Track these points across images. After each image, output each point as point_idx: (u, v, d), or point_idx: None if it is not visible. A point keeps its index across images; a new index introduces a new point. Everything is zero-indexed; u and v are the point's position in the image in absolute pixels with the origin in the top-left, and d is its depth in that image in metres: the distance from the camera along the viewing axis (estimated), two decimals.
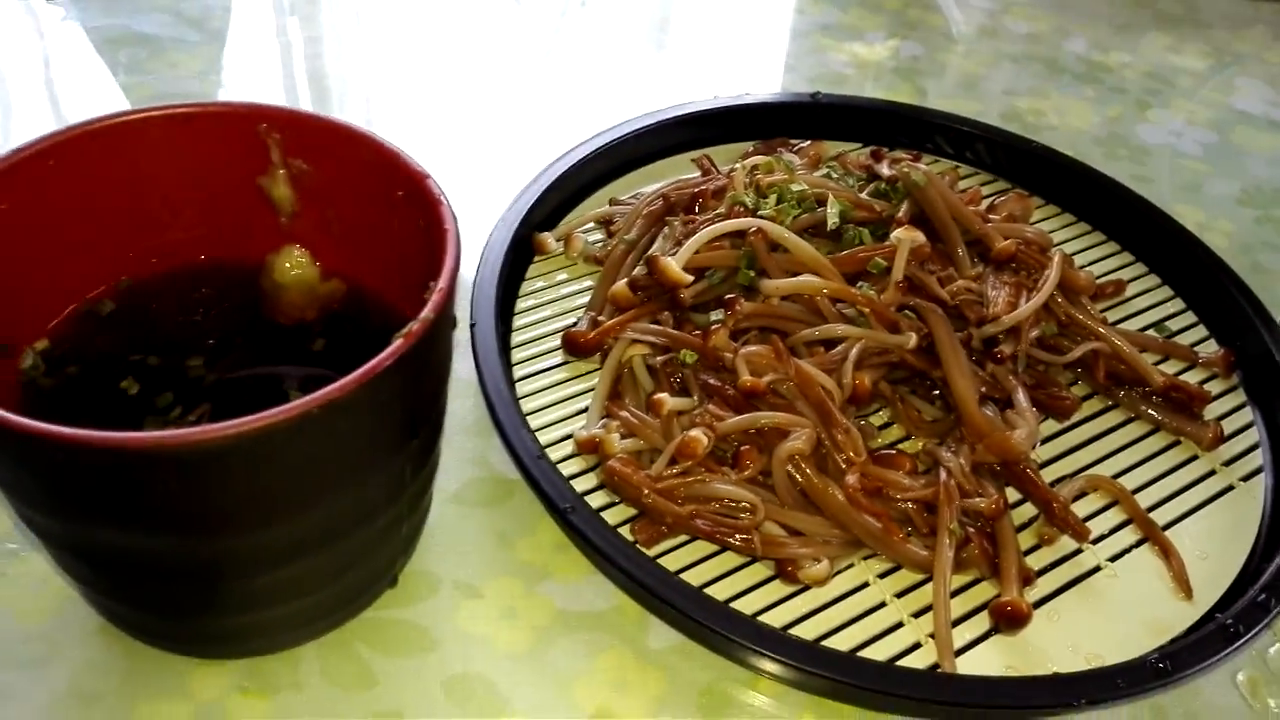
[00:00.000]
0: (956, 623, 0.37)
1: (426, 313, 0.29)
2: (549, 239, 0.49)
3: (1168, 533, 0.41)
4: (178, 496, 0.27)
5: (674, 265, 0.43)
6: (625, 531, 0.38)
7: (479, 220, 0.47)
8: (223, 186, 0.36)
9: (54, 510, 0.28)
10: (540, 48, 0.69)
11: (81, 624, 0.35)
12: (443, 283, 0.30)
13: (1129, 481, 0.42)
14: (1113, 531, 0.41)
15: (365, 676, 0.35)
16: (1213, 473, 0.43)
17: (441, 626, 0.36)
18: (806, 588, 0.37)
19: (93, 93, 0.59)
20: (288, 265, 0.38)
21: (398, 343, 0.28)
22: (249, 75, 0.63)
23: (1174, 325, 0.50)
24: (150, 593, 0.31)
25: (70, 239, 0.35)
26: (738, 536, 0.37)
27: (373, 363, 0.27)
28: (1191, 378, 0.47)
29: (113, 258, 0.36)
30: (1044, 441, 0.44)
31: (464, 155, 0.58)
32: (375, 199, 0.35)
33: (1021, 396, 0.42)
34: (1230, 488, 0.43)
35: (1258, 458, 0.44)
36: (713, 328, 0.42)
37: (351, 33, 0.68)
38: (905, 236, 0.45)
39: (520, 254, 0.48)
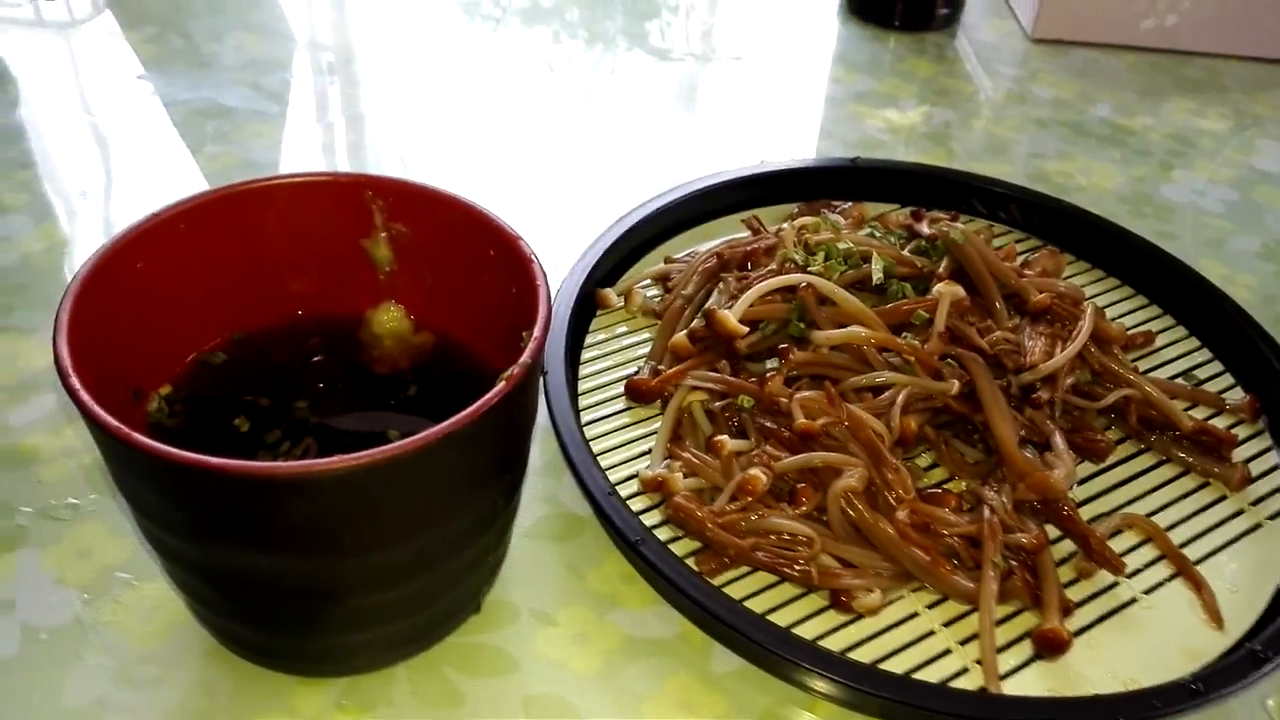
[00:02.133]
0: (1000, 650, 0.39)
1: (525, 358, 0.32)
2: (611, 294, 0.53)
3: (1199, 567, 0.43)
4: (305, 521, 0.30)
5: (731, 318, 0.47)
6: (690, 564, 0.41)
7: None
8: (329, 248, 0.40)
9: (189, 533, 0.32)
10: (579, 113, 0.73)
11: (191, 647, 0.39)
12: (537, 332, 0.33)
13: (1161, 520, 0.45)
14: (1147, 566, 0.43)
15: (453, 695, 0.38)
16: (1241, 511, 0.46)
17: (521, 650, 0.39)
18: (859, 617, 0.40)
19: (185, 159, 0.64)
20: (385, 319, 0.42)
21: (501, 384, 0.31)
22: (322, 144, 0.67)
23: (1201, 374, 0.53)
24: (265, 612, 0.34)
25: (193, 295, 0.39)
26: (796, 567, 0.40)
27: (482, 401, 0.30)
28: (1219, 423, 0.49)
29: (228, 312, 0.40)
30: (1080, 483, 0.46)
31: (521, 220, 0.62)
32: (467, 257, 0.39)
33: (1059, 439, 0.45)
34: (1258, 525, 0.45)
35: None
36: (769, 375, 0.45)
37: (396, 106, 0.72)
38: (946, 290, 0.48)
39: (584, 309, 0.52)
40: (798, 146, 0.72)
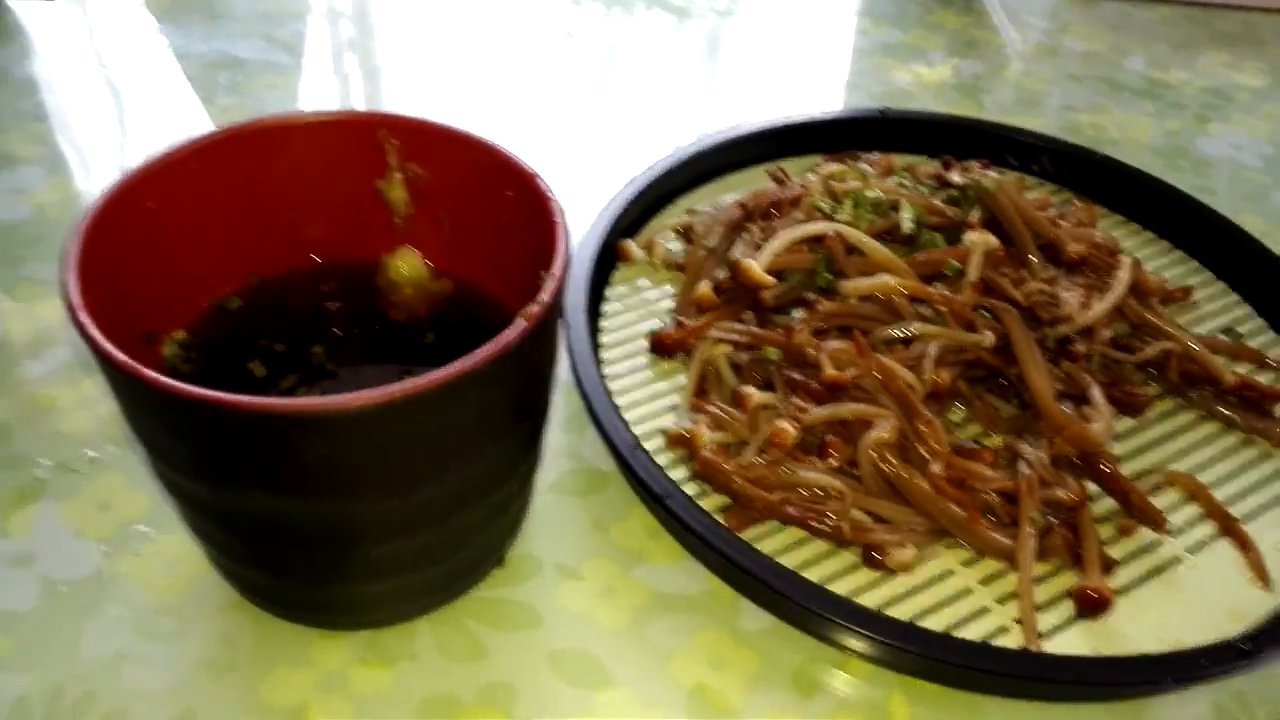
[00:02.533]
0: (1039, 609, 0.38)
1: (544, 297, 0.31)
2: (633, 246, 0.51)
3: (1244, 526, 0.42)
4: (321, 461, 0.29)
5: (756, 267, 0.45)
6: (719, 520, 0.40)
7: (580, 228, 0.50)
8: (343, 190, 0.39)
9: (203, 476, 0.31)
10: (600, 72, 0.71)
11: (212, 599, 0.38)
12: (556, 269, 0.32)
13: (1204, 477, 0.43)
14: (1190, 525, 0.42)
15: (476, 649, 0.37)
16: None
17: (544, 604, 0.38)
18: (892, 574, 0.39)
19: (198, 111, 0.62)
20: (401, 265, 0.40)
21: (520, 323, 0.30)
22: (334, 94, 0.66)
23: (1242, 330, 0.51)
24: (284, 558, 0.34)
25: (206, 239, 0.37)
26: (827, 522, 0.39)
27: (502, 339, 0.29)
28: (1260, 379, 0.48)
29: (243, 257, 0.39)
30: (1118, 439, 0.45)
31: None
32: (484, 199, 0.38)
33: (1096, 392, 0.43)
34: None
35: None
36: (796, 325, 0.44)
37: (413, 59, 0.71)
38: (979, 239, 0.46)
39: (605, 261, 0.50)
40: (824, 100, 0.70)
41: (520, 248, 0.36)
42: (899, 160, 0.58)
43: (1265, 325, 0.51)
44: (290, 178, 0.38)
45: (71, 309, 0.29)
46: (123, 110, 0.62)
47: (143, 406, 0.30)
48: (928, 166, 0.56)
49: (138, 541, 0.39)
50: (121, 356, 0.28)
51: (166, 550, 0.39)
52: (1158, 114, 0.70)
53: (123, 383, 0.29)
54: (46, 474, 0.41)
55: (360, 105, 0.65)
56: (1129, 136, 0.67)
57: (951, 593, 0.39)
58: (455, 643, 0.37)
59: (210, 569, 0.37)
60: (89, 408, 0.44)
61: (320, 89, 0.66)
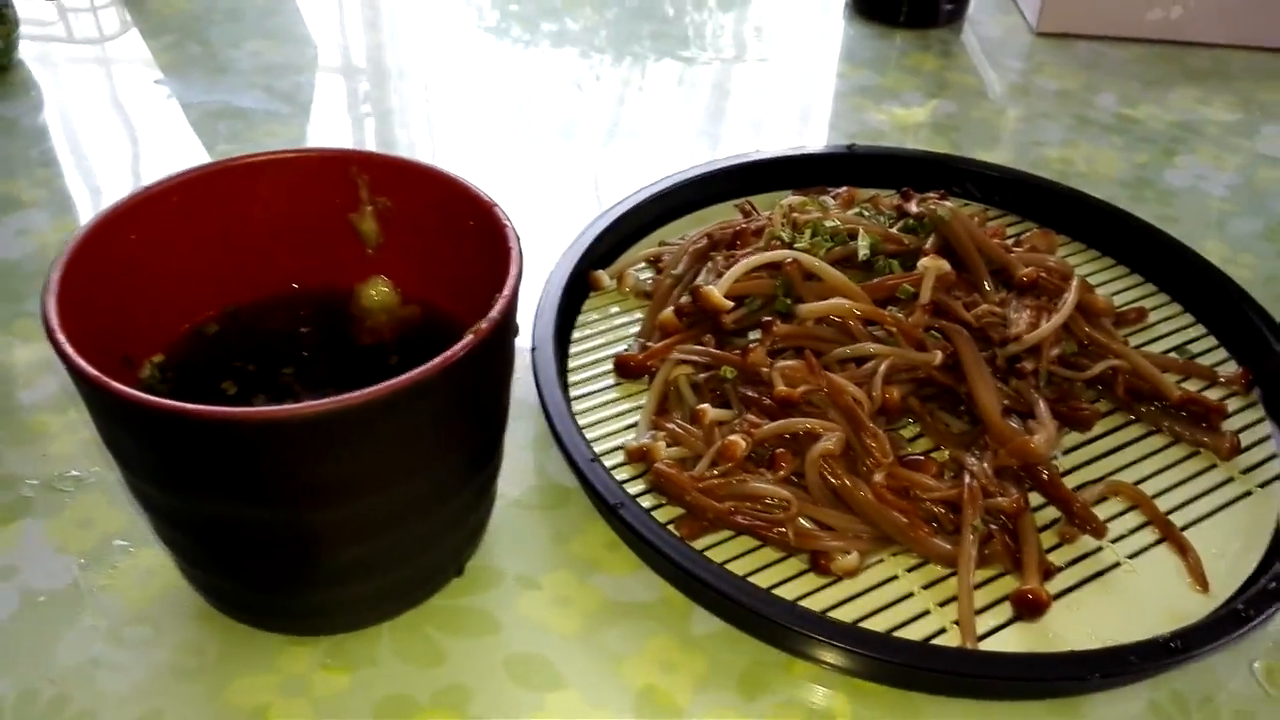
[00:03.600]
0: (980, 611, 0.39)
1: (493, 314, 0.33)
2: (603, 275, 0.54)
3: (1186, 534, 0.43)
4: (278, 468, 0.31)
5: (716, 293, 0.48)
6: (670, 529, 0.41)
7: (542, 259, 0.52)
8: (318, 222, 0.41)
9: (166, 482, 0.33)
10: (596, 116, 0.74)
11: (183, 609, 0.40)
12: (506, 290, 0.34)
13: (1149, 488, 0.45)
14: (1132, 532, 0.43)
15: (435, 655, 0.38)
16: (1230, 480, 0.45)
17: (503, 612, 0.40)
18: (839, 579, 0.40)
19: (200, 156, 0.66)
20: (373, 293, 0.43)
21: (469, 338, 0.32)
22: (333, 141, 0.69)
23: (1195, 349, 0.53)
24: (245, 565, 0.35)
25: (186, 267, 0.40)
26: (774, 530, 0.41)
27: (449, 352, 0.31)
28: (1212, 395, 0.49)
29: (221, 285, 0.41)
30: (1066, 452, 0.46)
31: (526, 207, 0.63)
32: (449, 229, 0.40)
33: (1042, 407, 0.45)
34: (1248, 493, 0.45)
35: (1276, 466, 0.46)
36: (751, 345, 0.46)
37: (423, 106, 0.74)
38: (931, 265, 0.48)
39: (578, 289, 0.53)
40: (800, 140, 0.72)
41: (482, 273, 0.38)
42: (863, 193, 0.60)
43: (1217, 344, 0.53)
44: (267, 211, 0.41)
45: (49, 330, 0.32)
46: (126, 156, 0.66)
47: (109, 417, 0.32)
48: (889, 198, 0.58)
49: (116, 555, 0.41)
50: (89, 369, 0.30)
51: (142, 564, 0.41)
52: (1125, 148, 0.72)
53: (91, 394, 0.31)
54: (33, 493, 0.44)
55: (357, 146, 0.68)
56: (1095, 170, 0.69)
57: (894, 596, 0.40)
58: (414, 648, 0.39)
59: (182, 580, 0.39)
60: (75, 432, 0.46)
61: (318, 136, 0.69)
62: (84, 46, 0.78)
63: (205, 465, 0.31)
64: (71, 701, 0.36)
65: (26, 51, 0.74)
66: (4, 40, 0.70)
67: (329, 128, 0.70)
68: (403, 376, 0.30)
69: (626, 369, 0.48)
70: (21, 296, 0.54)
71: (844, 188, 0.60)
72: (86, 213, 0.61)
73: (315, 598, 0.37)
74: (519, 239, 0.37)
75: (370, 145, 0.69)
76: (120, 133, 0.68)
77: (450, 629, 0.39)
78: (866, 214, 0.55)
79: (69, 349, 0.31)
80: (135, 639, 0.39)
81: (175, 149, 0.67)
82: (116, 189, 0.63)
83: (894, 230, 0.52)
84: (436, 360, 0.31)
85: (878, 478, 0.41)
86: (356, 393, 0.30)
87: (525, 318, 0.50)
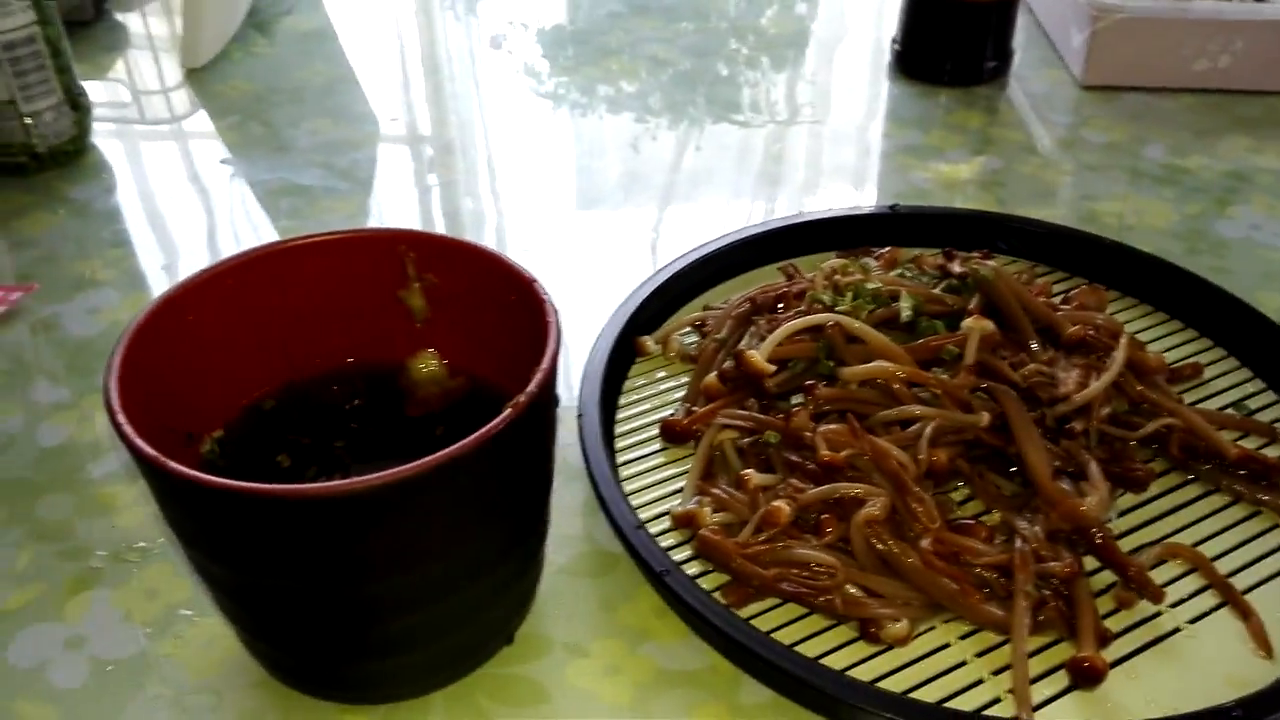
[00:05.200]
0: (1035, 680, 0.39)
1: (531, 388, 0.34)
2: (648, 341, 0.54)
3: (1248, 597, 0.42)
4: (324, 542, 0.32)
5: (758, 357, 0.48)
6: (717, 596, 0.42)
7: (595, 322, 0.53)
8: (369, 299, 0.43)
9: (220, 556, 0.34)
10: (662, 179, 0.76)
11: (243, 678, 0.41)
12: (545, 363, 0.35)
13: (1208, 550, 0.44)
14: (1192, 596, 0.42)
15: None
16: None
17: (553, 682, 0.40)
18: (889, 647, 0.40)
19: (260, 235, 0.68)
20: (421, 366, 0.44)
21: (507, 411, 0.33)
22: (391, 214, 0.71)
23: (1253, 404, 0.52)
24: (299, 635, 0.36)
25: (242, 346, 0.41)
26: (821, 597, 0.41)
27: (487, 427, 0.32)
28: (1272, 453, 0.48)
29: (277, 361, 0.43)
30: (1123, 514, 0.46)
31: (582, 269, 0.65)
32: (492, 303, 0.41)
33: (1094, 468, 0.44)
34: None
35: None
36: (794, 410, 0.46)
37: (484, 175, 0.76)
38: (975, 325, 0.48)
39: (623, 355, 0.53)
40: (849, 200, 0.73)
41: (524, 345, 0.39)
42: (906, 253, 0.60)
43: (1276, 399, 0.52)
44: (320, 289, 0.42)
45: (110, 410, 0.33)
46: (194, 234, 0.68)
47: (165, 493, 0.33)
48: (933, 258, 0.58)
49: (180, 624, 0.43)
50: (145, 447, 0.31)
51: (205, 632, 0.42)
52: (1176, 199, 0.71)
53: (148, 472, 0.32)
54: (101, 564, 0.45)
55: (415, 221, 0.71)
56: (1146, 222, 0.69)
57: (947, 665, 0.39)
58: (465, 718, 0.39)
59: (242, 648, 0.40)
60: (142, 504, 0.48)
61: (376, 210, 0.72)
62: (154, 127, 0.82)
63: (254, 539, 0.32)
64: None
65: (99, 133, 0.78)
66: (78, 126, 0.74)
67: (387, 202, 0.73)
68: (442, 452, 0.31)
69: (672, 434, 0.49)
70: (92, 372, 0.56)
71: (887, 248, 0.60)
72: (156, 290, 0.63)
73: (368, 667, 0.38)
74: (557, 313, 0.38)
75: (436, 215, 0.72)
76: (188, 211, 0.71)
77: (501, 698, 0.40)
78: (909, 274, 0.55)
79: (127, 429, 0.32)
80: (197, 707, 0.40)
81: (240, 226, 0.70)
82: (185, 267, 0.65)
83: (937, 290, 0.52)
84: (475, 435, 0.32)
85: (925, 543, 0.41)
86: (394, 470, 0.31)
87: (573, 383, 0.52)
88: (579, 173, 0.76)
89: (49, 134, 0.72)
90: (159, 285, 0.64)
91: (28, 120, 0.70)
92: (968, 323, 0.48)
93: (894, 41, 0.90)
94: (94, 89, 0.78)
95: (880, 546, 0.41)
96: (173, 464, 0.31)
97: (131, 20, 0.98)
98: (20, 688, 0.40)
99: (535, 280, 0.39)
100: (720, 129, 0.82)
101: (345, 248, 0.42)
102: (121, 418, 0.32)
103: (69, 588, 0.44)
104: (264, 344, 0.42)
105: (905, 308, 0.50)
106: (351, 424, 0.42)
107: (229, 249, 0.65)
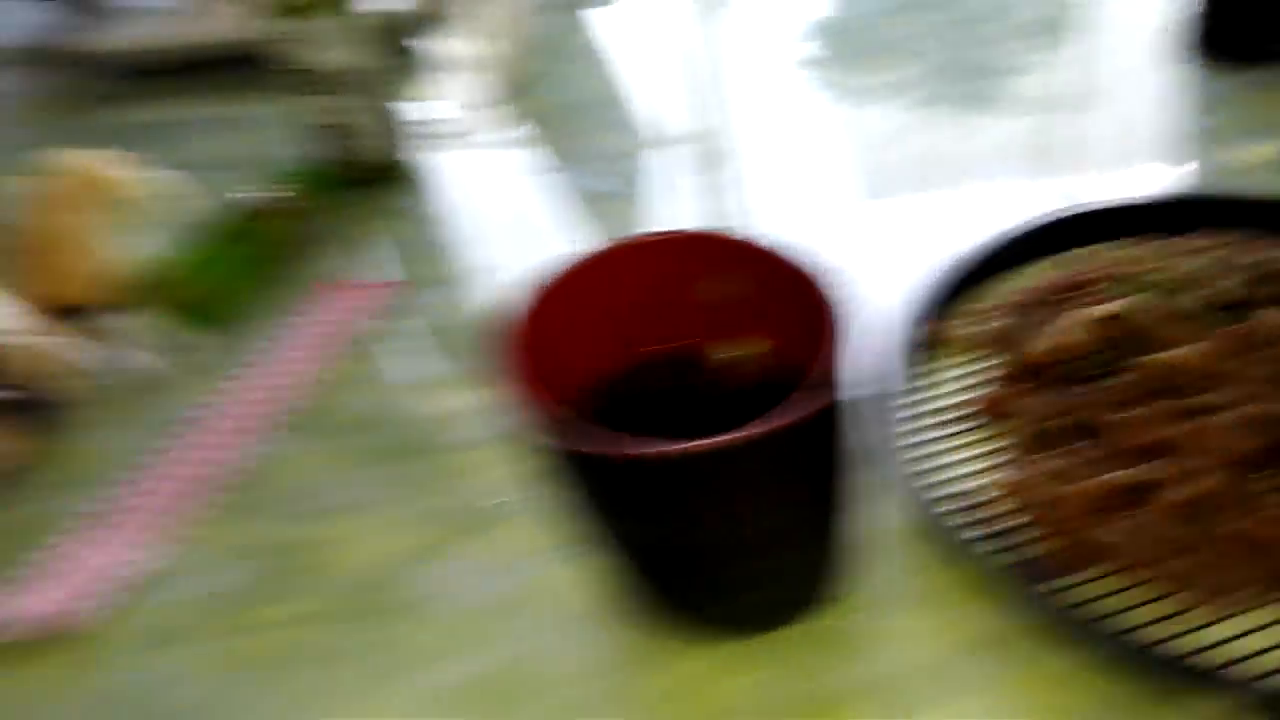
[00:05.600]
0: None
1: (822, 375, 0.39)
2: (949, 326, 0.57)
3: None
4: (679, 495, 0.39)
5: (1062, 342, 0.50)
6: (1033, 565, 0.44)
7: (886, 309, 0.56)
8: (675, 292, 0.48)
9: (613, 511, 0.41)
10: (927, 170, 0.77)
11: (607, 614, 0.48)
12: (832, 350, 0.39)
13: None
14: None
15: (805, 671, 0.44)
16: None
17: (866, 638, 0.45)
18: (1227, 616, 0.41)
19: (574, 239, 0.76)
20: (730, 352, 0.48)
21: (799, 405, 0.37)
22: (680, 215, 0.77)
23: None
24: (665, 574, 0.44)
25: (589, 332, 0.47)
26: (1155, 568, 0.42)
27: (770, 421, 0.37)
28: None
29: (613, 346, 0.48)
30: None
31: (867, 258, 0.67)
32: (789, 296, 0.45)
33: None
34: None
35: None
36: (1103, 392, 0.47)
37: (767, 173, 0.81)
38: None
39: (925, 338, 0.56)
40: (1140, 186, 0.72)
41: (815, 333, 0.42)
42: (1202, 241, 0.59)
43: None
44: (640, 284, 0.48)
45: (514, 384, 0.40)
46: (505, 237, 0.77)
47: (564, 460, 0.40)
48: (1231, 246, 0.57)
49: (543, 567, 0.50)
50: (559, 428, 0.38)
51: (566, 576, 0.49)
52: None
53: (556, 446, 0.39)
54: (478, 514, 0.54)
55: (711, 222, 0.76)
56: None
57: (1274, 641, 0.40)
58: (789, 662, 0.45)
59: (601, 591, 0.47)
60: (497, 468, 0.55)
61: (662, 214, 0.78)
62: (467, 142, 0.92)
63: (645, 496, 0.39)
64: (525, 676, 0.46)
65: (422, 150, 0.88)
66: (405, 145, 0.84)
67: (672, 205, 0.79)
68: (772, 422, 0.37)
69: (979, 414, 0.51)
70: (453, 355, 0.66)
71: (1182, 234, 0.59)
72: (488, 286, 0.71)
73: (709, 608, 0.44)
74: (843, 303, 0.41)
75: (720, 213, 0.77)
76: (499, 216, 0.79)
77: (821, 649, 0.45)
78: (1207, 263, 0.54)
79: (532, 401, 0.39)
80: (570, 633, 0.47)
81: (545, 228, 0.77)
82: (506, 267, 0.73)
83: (1243, 280, 0.52)
84: (792, 411, 0.37)
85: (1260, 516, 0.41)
86: (726, 436, 0.36)
87: (866, 368, 0.55)
88: (854, 165, 0.79)
89: (384, 151, 0.82)
90: (490, 282, 0.72)
91: (368, 140, 0.81)
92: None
93: (1191, 18, 0.86)
94: (412, 110, 0.89)
95: (1211, 522, 0.42)
96: (587, 438, 0.37)
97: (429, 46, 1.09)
98: (417, 611, 0.49)
99: (818, 278, 0.43)
100: (989, 112, 0.82)
101: (660, 246, 0.48)
102: (526, 391, 0.39)
103: (456, 530, 0.53)
104: (605, 330, 0.48)
105: (1205, 295, 0.50)
106: (669, 401, 0.48)
107: (535, 249, 0.73)
